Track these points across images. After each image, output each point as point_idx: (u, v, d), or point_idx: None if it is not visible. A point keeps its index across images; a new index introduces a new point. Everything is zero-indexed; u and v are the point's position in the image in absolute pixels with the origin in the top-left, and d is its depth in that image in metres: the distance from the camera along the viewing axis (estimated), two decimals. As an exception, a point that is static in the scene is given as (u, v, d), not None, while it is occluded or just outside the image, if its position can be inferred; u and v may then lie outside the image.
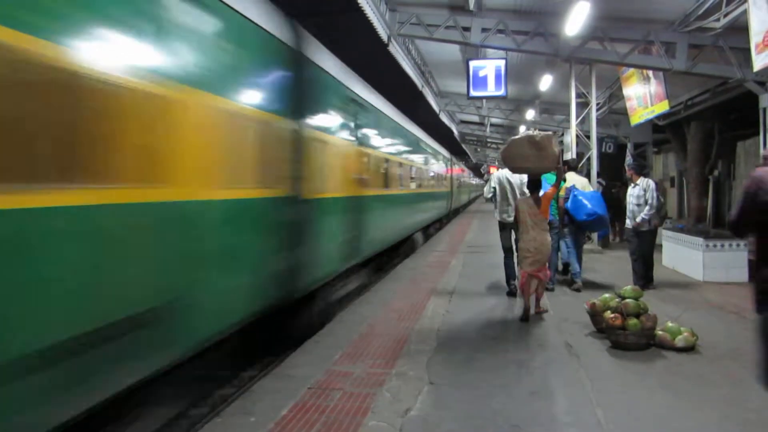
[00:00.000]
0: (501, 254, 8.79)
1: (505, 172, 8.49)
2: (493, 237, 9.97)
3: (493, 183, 8.85)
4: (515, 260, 7.98)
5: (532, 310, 7.17)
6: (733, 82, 11.67)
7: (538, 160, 7.24)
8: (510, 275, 8.53)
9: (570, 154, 14.32)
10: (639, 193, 8.81)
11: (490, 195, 8.74)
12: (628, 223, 9.03)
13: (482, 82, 14.48)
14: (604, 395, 4.51)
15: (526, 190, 8.04)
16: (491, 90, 14.62)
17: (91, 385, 3.27)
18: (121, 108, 3.45)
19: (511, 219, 8.14)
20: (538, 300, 7.37)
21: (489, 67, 14.47)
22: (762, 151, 5.75)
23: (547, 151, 7.21)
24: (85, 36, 3.22)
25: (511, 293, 8.44)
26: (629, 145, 20.43)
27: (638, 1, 10.69)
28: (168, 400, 4.81)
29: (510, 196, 8.44)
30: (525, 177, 8.11)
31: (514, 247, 8.24)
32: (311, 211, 6.66)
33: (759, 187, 2.99)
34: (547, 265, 7.47)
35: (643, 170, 9.24)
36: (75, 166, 3.15)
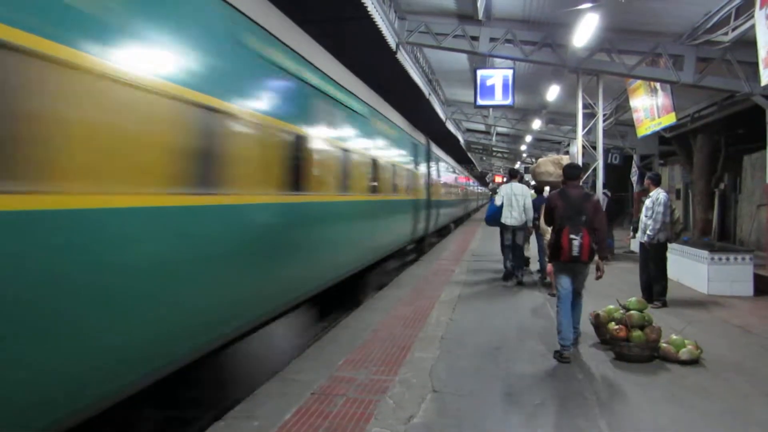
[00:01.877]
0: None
1: (511, 187, 10.53)
2: (498, 245, 11.46)
3: (501, 194, 10.68)
4: (508, 256, 10.74)
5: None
6: (740, 95, 11.68)
7: (557, 177, 9.89)
8: (507, 267, 10.86)
9: None
10: (648, 205, 8.59)
11: (499, 203, 10.62)
12: (639, 235, 8.88)
13: (489, 91, 14.57)
14: (608, 407, 4.51)
15: (528, 203, 10.35)
16: (498, 99, 14.73)
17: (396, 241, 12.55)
18: (402, 176, 12.42)
19: (511, 223, 10.39)
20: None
21: (497, 77, 14.57)
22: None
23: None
24: (394, 152, 11.91)
25: (506, 277, 10.76)
26: (635, 157, 20.44)
27: (646, 14, 10.72)
28: (171, 403, 4.83)
29: (514, 205, 10.35)
30: (526, 191, 10.56)
31: (510, 243, 10.65)
32: (432, 206, 16.95)
33: (550, 200, 6.38)
34: None
35: (660, 181, 9.06)
36: (415, 192, 14.06)
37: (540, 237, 10.49)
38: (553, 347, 6.17)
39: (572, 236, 5.80)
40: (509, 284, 10.43)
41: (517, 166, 39.92)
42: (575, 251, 5.79)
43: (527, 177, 21.66)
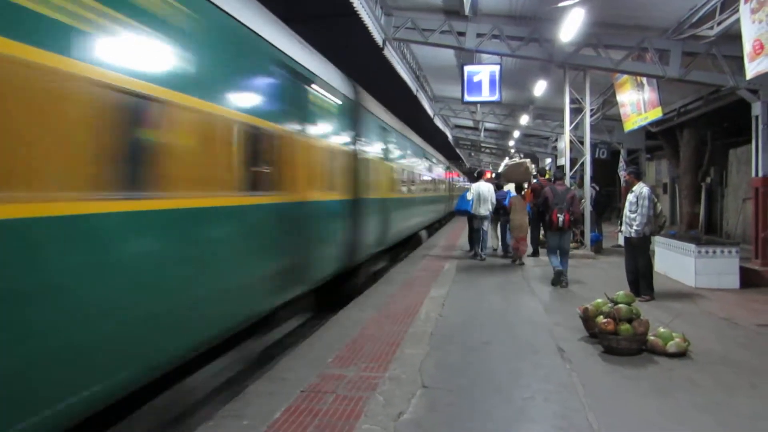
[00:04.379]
0: (490, 252, 14.14)
1: (480, 185, 13.37)
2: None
3: (473, 191, 13.41)
4: (481, 236, 13.40)
5: (518, 262, 12.48)
6: (725, 89, 11.75)
7: (523, 176, 14.28)
8: (472, 246, 14.01)
9: (563, 160, 15.15)
10: (632, 199, 8.65)
11: (470, 198, 13.37)
12: (624, 229, 8.91)
13: (477, 87, 14.54)
14: (596, 399, 4.53)
15: (493, 198, 13.28)
16: (485, 95, 14.70)
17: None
18: (270, 154, 5.94)
19: (481, 213, 13.10)
20: (520, 256, 12.55)
21: (483, 73, 14.54)
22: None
23: (528, 171, 14.78)
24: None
25: (474, 254, 13.65)
26: (622, 152, 20.54)
27: (632, 9, 10.75)
28: (160, 403, 4.78)
29: (482, 199, 13.13)
30: (491, 188, 13.51)
31: (481, 228, 13.37)
32: (367, 210, 10.38)
33: (545, 193, 9.84)
34: (527, 237, 12.96)
35: (641, 176, 9.12)
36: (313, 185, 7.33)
37: (507, 222, 13.29)
38: (540, 341, 6.21)
39: (558, 215, 9.44)
40: (477, 259, 13.37)
41: (506, 161, 40.26)
42: (560, 223, 9.50)
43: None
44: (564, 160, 15.05)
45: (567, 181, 13.52)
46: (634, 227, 8.56)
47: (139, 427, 4.27)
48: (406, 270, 11.96)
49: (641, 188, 8.63)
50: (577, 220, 9.92)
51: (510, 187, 14.54)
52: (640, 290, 8.46)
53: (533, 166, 17.38)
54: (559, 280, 9.55)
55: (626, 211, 8.80)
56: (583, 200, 14.31)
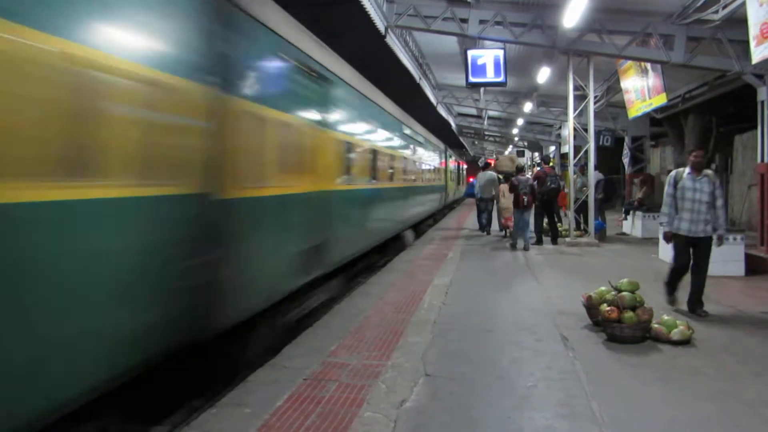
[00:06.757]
0: (491, 236, 16.13)
1: (485, 174, 16.93)
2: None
3: (479, 179, 17.02)
4: (483, 218, 16.81)
5: (506, 235, 15.24)
6: (731, 75, 11.65)
7: (510, 167, 17.49)
8: (481, 225, 16.90)
9: (567, 147, 15.49)
10: (707, 189, 6.78)
11: (477, 185, 17.13)
12: (698, 228, 6.87)
13: (481, 69, 14.27)
14: (599, 387, 4.52)
15: (496, 184, 16.04)
16: (490, 76, 14.38)
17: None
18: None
19: (484, 196, 16.46)
20: (508, 228, 14.96)
21: (487, 56, 14.29)
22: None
23: (515, 163, 18.03)
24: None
25: (482, 229, 16.80)
26: (627, 139, 20.45)
27: (636, -7, 10.64)
28: (162, 390, 4.80)
29: (483, 185, 16.53)
30: (494, 176, 16.76)
31: (486, 210, 16.78)
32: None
33: (512, 182, 13.49)
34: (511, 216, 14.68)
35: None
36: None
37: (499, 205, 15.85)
38: (543, 329, 6.21)
39: (524, 197, 12.80)
40: (483, 234, 16.46)
41: (509, 150, 40.56)
42: (525, 203, 12.83)
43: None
44: (568, 148, 15.02)
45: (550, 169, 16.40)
46: (721, 224, 6.91)
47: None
48: (409, 258, 11.95)
49: (713, 175, 6.98)
50: (533, 199, 13.37)
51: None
52: (696, 305, 6.97)
53: (520, 160, 23.31)
54: (512, 246, 13.16)
55: (695, 204, 6.82)
56: (585, 188, 14.34)
